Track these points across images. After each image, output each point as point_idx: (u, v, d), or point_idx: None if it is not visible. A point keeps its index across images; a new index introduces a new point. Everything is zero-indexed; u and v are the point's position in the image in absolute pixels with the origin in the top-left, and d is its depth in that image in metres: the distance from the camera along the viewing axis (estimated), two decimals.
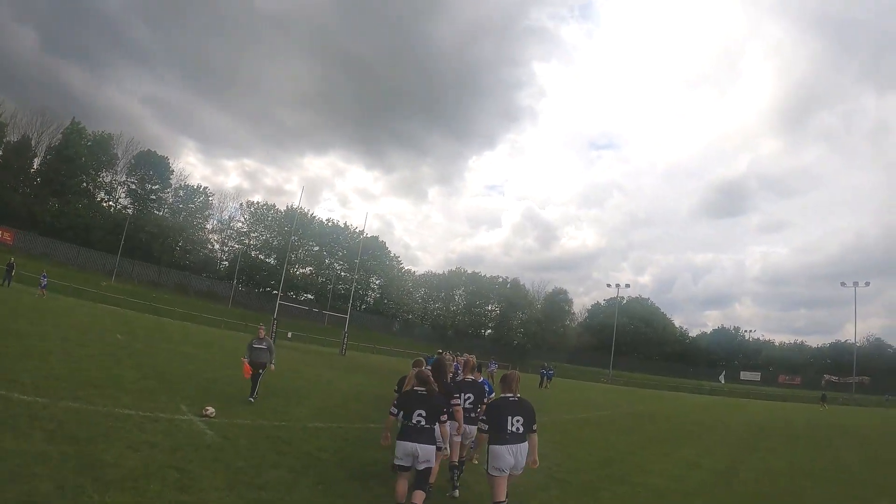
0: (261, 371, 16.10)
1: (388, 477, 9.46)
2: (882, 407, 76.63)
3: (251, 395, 15.53)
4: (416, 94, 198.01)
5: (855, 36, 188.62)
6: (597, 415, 29.41)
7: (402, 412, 7.94)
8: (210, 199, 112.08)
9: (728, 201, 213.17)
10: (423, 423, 7.80)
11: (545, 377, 51.57)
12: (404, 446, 7.68)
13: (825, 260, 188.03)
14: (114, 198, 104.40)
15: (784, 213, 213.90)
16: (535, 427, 7.97)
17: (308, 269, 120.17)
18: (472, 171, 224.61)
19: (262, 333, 16.91)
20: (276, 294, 61.77)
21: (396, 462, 7.78)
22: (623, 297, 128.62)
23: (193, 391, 15.52)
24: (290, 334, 67.31)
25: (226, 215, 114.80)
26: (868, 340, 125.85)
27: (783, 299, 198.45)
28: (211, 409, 12.50)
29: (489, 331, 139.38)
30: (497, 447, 7.60)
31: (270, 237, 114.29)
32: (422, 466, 7.67)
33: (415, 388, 8.24)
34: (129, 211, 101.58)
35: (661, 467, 14.50)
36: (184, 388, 15.64)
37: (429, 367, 9.94)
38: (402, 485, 7.74)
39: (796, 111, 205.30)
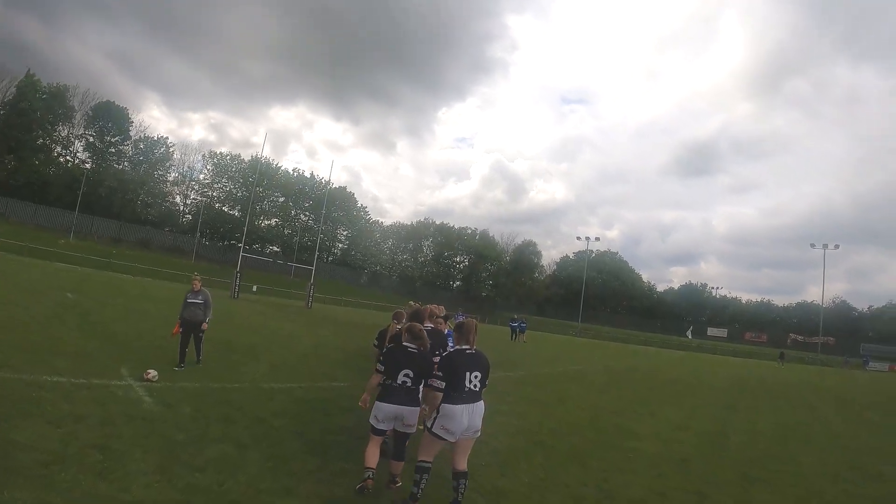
0: (201, 334, 13.82)
1: (352, 448, 8.46)
2: (844, 368, 77.84)
3: (180, 363, 13.10)
4: (386, 45, 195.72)
5: (833, 5, 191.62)
6: (572, 369, 28.58)
7: (386, 370, 7.06)
8: (171, 150, 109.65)
9: (698, 161, 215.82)
10: (409, 383, 7.01)
11: (517, 330, 50.44)
12: (387, 409, 6.92)
13: (791, 223, 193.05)
14: (71, 152, 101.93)
15: (753, 175, 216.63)
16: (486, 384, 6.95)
17: (273, 220, 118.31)
18: (441, 123, 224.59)
19: (198, 285, 14.18)
20: (241, 247, 60.10)
21: (375, 425, 7.01)
22: (592, 251, 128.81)
23: (140, 353, 14.22)
24: (255, 287, 66.06)
25: (188, 167, 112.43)
26: (834, 302, 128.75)
27: (748, 259, 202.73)
28: (153, 373, 11.12)
29: (458, 282, 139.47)
30: (451, 406, 6.56)
31: (234, 189, 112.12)
32: (406, 430, 7.09)
33: (404, 343, 7.27)
34: (88, 165, 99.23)
35: (649, 430, 13.57)
36: (130, 350, 14.36)
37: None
38: (375, 450, 6.98)
39: (770, 76, 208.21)
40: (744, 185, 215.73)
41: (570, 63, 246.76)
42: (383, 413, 6.91)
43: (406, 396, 6.94)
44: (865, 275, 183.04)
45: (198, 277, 14.64)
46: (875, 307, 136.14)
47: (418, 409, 7.07)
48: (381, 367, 7.04)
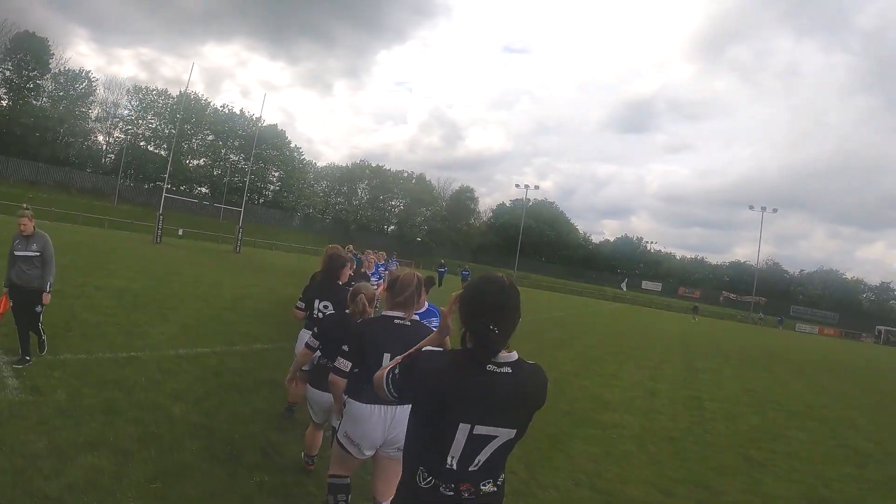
0: (38, 309, 8.41)
1: (272, 446, 6.45)
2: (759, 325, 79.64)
3: (23, 357, 8.17)
4: None
5: None
6: (522, 319, 26.44)
7: (319, 342, 5.16)
8: (94, 84, 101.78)
9: (636, 118, 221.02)
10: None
11: (441, 276, 47.56)
12: (322, 399, 5.19)
13: (723, 185, 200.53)
14: None
15: (689, 136, 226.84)
16: None
17: (202, 160, 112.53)
18: (380, 65, 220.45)
19: (29, 225, 8.25)
20: (164, 187, 56.57)
21: (313, 417, 5.54)
22: (529, 200, 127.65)
23: None
24: (181, 231, 62.91)
25: (112, 103, 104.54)
26: (767, 264, 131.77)
27: (679, 217, 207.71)
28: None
29: (392, 227, 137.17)
30: (357, 405, 4.24)
31: (161, 125, 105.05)
32: None
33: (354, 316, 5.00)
34: (4, 103, 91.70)
35: (621, 398, 12.42)
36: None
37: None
38: (318, 436, 5.74)
39: (714, 41, 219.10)
40: (679, 145, 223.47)
41: (514, 12, 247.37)
42: (318, 403, 5.27)
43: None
44: (790, 240, 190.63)
45: (28, 212, 8.35)
46: (805, 271, 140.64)
47: None
48: (313, 343, 5.07)
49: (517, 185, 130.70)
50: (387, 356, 4.09)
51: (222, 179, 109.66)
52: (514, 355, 2.60)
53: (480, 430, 2.51)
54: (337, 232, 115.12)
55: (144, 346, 10.17)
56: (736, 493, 7.46)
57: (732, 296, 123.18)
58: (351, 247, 17.73)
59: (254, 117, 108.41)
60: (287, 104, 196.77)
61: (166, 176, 59.23)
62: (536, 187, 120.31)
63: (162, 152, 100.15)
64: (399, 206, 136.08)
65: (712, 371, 19.52)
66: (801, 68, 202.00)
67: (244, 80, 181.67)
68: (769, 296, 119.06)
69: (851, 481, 8.77)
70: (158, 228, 48.06)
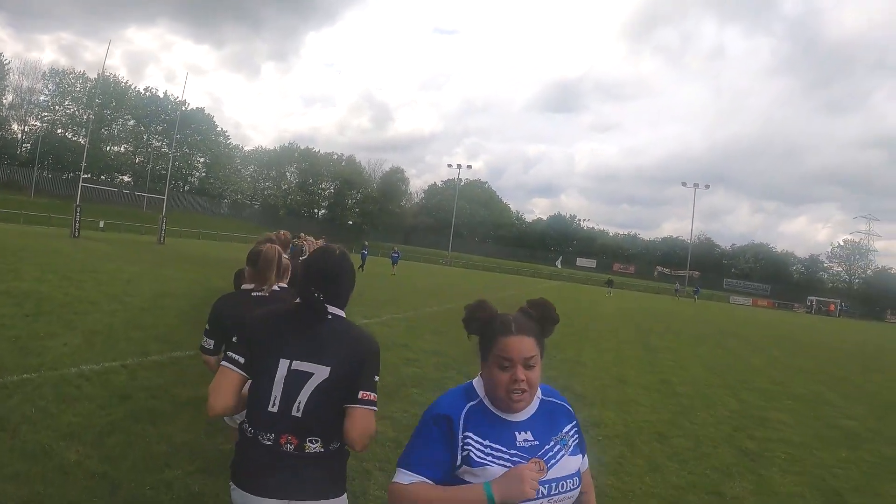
0: None
1: (204, 501, 4.95)
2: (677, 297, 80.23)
3: None
4: None
5: None
6: (462, 304, 25.10)
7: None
8: (6, 68, 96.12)
9: (564, 98, 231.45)
10: None
11: (363, 258, 46.17)
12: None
13: (650, 163, 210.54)
14: None
15: (616, 115, 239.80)
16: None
17: (123, 147, 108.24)
18: (308, 47, 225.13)
19: None
20: (84, 177, 53.26)
21: None
22: (461, 180, 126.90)
23: None
24: (101, 223, 60.15)
25: (27, 88, 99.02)
26: (699, 239, 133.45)
27: (607, 194, 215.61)
28: None
29: (323, 211, 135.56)
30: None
31: (78, 111, 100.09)
32: None
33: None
34: None
35: (591, 388, 11.59)
36: None
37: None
38: None
39: (640, 23, 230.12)
40: (606, 125, 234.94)
41: None
42: None
43: None
44: (716, 215, 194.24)
45: None
46: (737, 245, 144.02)
47: None
48: (236, 358, 3.05)
49: (449, 165, 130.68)
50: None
51: (145, 167, 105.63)
52: (340, 311, 2.80)
53: (297, 365, 2.62)
54: (266, 218, 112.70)
55: (40, 364, 8.28)
56: (749, 496, 6.73)
57: (667, 270, 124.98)
58: (284, 233, 16.22)
59: (177, 100, 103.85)
60: (214, 88, 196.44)
61: (83, 161, 55.72)
62: (469, 167, 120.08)
63: (81, 140, 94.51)
64: (329, 189, 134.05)
65: (670, 350, 19.11)
66: (724, 51, 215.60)
67: (169, 64, 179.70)
68: (702, 269, 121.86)
69: (852, 466, 8.34)
70: (76, 221, 45.28)
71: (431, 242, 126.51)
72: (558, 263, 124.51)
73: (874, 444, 9.71)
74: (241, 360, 2.67)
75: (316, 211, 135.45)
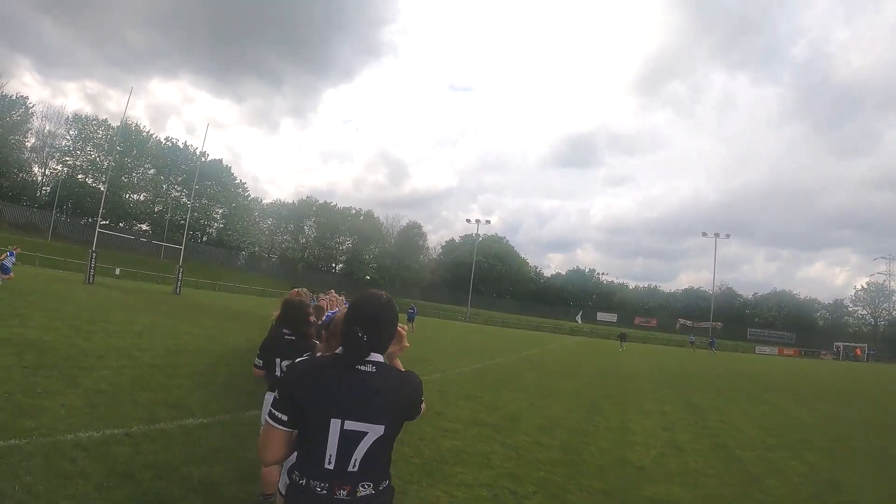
0: None
1: None
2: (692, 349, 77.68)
3: None
4: (273, 22, 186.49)
5: (714, 15, 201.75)
6: (492, 366, 24.55)
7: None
8: (31, 111, 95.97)
9: (577, 153, 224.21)
10: None
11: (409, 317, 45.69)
12: None
13: (664, 215, 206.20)
14: None
15: (629, 168, 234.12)
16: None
17: (143, 195, 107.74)
18: (326, 104, 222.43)
19: None
20: (102, 223, 52.52)
21: None
22: (479, 235, 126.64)
23: None
24: (117, 270, 59.48)
25: (48, 132, 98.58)
26: (720, 289, 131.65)
27: (622, 247, 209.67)
28: None
29: (340, 265, 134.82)
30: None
31: (100, 157, 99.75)
32: None
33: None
34: None
35: (648, 459, 10.29)
36: None
37: None
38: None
39: (650, 77, 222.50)
40: (619, 178, 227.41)
41: (459, 51, 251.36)
42: None
43: None
44: (732, 265, 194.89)
45: None
46: (759, 294, 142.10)
47: None
48: (280, 416, 2.89)
49: (468, 220, 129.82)
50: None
51: (164, 216, 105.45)
52: (380, 357, 2.78)
53: (351, 425, 2.60)
54: (283, 271, 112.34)
55: (33, 428, 7.12)
56: None
57: (689, 322, 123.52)
58: (305, 290, 15.25)
59: (197, 151, 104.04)
60: (233, 142, 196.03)
61: (101, 206, 55.11)
62: (488, 222, 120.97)
63: (101, 186, 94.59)
64: (347, 243, 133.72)
65: (715, 409, 17.84)
66: (733, 101, 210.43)
67: (190, 116, 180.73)
68: (724, 320, 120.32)
69: None
70: (91, 267, 44.43)
71: (450, 299, 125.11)
72: (579, 318, 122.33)
73: None
74: (285, 418, 2.65)
75: (333, 265, 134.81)
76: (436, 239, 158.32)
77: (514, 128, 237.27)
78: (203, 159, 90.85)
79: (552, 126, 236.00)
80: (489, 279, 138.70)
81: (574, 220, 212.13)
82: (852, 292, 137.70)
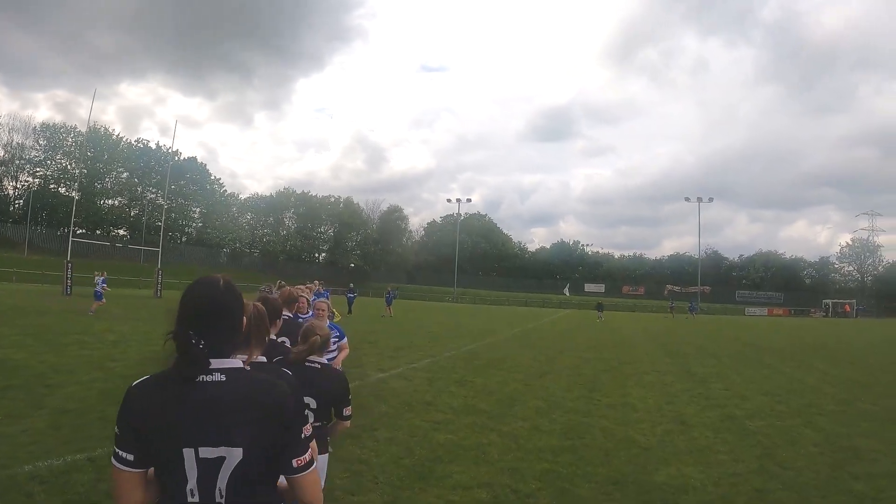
0: None
1: None
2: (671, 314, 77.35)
3: None
4: (239, 14, 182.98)
5: None
6: (483, 347, 24.04)
7: None
8: None
9: (554, 126, 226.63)
10: (311, 419, 4.04)
11: (350, 302, 43.17)
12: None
13: (644, 183, 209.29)
14: None
15: (607, 138, 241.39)
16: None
17: (117, 200, 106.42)
18: (299, 93, 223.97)
19: None
20: (79, 233, 51.31)
21: None
22: (461, 214, 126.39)
23: None
24: (96, 279, 58.34)
25: (16, 144, 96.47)
26: (706, 253, 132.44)
27: (605, 217, 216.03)
28: None
29: (323, 254, 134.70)
30: None
31: (71, 165, 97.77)
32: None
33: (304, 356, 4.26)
34: None
35: (654, 437, 9.74)
36: None
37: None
38: None
39: (622, 46, 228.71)
40: (598, 149, 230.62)
41: (430, 31, 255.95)
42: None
43: None
44: (716, 228, 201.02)
45: None
46: (745, 256, 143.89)
47: (326, 456, 4.34)
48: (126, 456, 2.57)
49: (448, 200, 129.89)
50: None
51: (141, 219, 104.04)
52: (236, 362, 2.24)
53: (206, 452, 2.11)
54: (265, 265, 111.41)
55: None
56: None
57: (677, 288, 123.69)
58: (281, 282, 14.50)
59: (169, 150, 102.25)
60: (207, 139, 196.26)
61: (71, 218, 54.21)
62: (469, 200, 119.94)
63: (75, 195, 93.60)
64: (328, 232, 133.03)
65: (717, 376, 17.39)
66: (707, 64, 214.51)
67: (163, 117, 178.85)
68: (712, 284, 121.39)
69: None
70: (68, 278, 43.55)
71: (436, 280, 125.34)
72: (566, 291, 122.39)
73: None
74: (131, 457, 2.13)
75: (316, 256, 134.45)
76: (418, 221, 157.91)
77: (489, 105, 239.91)
78: (176, 158, 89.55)
79: (528, 101, 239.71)
80: (474, 258, 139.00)
81: (555, 194, 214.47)
82: (837, 249, 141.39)
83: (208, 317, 2.21)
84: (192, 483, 2.11)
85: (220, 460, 2.11)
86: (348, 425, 4.57)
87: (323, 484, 4.15)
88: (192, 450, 2.10)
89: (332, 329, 7.50)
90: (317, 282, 21.26)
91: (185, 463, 2.10)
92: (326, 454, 4.41)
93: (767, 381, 16.73)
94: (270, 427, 2.16)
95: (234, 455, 2.11)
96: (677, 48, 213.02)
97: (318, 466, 3.99)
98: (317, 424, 4.19)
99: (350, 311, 39.06)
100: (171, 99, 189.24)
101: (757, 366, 20.57)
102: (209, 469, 2.11)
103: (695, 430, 10.32)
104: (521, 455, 8.24)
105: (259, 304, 3.36)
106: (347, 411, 4.38)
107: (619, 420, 10.93)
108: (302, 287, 11.85)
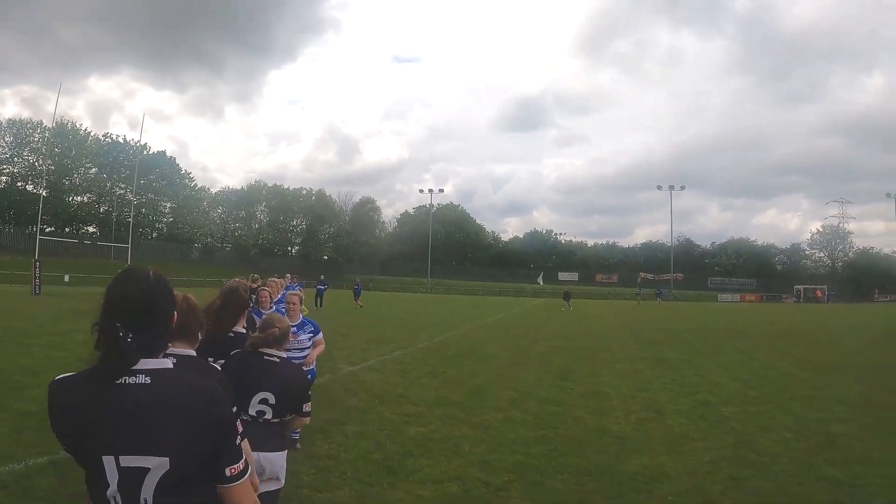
0: None
1: None
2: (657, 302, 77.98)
3: None
4: (210, 5, 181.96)
5: None
6: (454, 335, 24.29)
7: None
8: None
9: (527, 116, 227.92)
10: (268, 414, 4.10)
11: (320, 294, 41.06)
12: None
13: (617, 172, 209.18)
14: None
15: (580, 128, 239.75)
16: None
17: (86, 196, 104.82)
18: (271, 86, 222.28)
19: None
20: (47, 231, 50.51)
21: None
22: (434, 205, 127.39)
23: None
24: (66, 277, 57.84)
25: None
26: (678, 241, 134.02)
27: (578, 207, 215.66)
28: None
29: (296, 247, 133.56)
30: None
31: (38, 161, 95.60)
32: (270, 487, 3.98)
33: (258, 347, 4.22)
34: None
35: (628, 426, 9.76)
36: None
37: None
38: None
39: (594, 36, 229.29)
40: (571, 138, 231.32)
41: (402, 22, 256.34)
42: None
43: (263, 436, 3.94)
44: (687, 216, 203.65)
45: None
46: (717, 243, 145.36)
47: (284, 453, 4.20)
48: None
49: (421, 191, 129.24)
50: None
51: (110, 215, 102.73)
52: (165, 362, 2.08)
53: (127, 460, 1.95)
54: (238, 259, 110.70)
55: None
56: None
57: (650, 276, 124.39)
58: (254, 276, 14.23)
59: (138, 145, 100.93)
60: (178, 133, 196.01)
61: (38, 216, 53.41)
62: (441, 191, 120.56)
63: (42, 192, 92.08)
64: (301, 225, 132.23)
65: (689, 364, 17.42)
66: (679, 56, 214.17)
67: (133, 111, 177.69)
68: (685, 271, 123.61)
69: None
70: (36, 277, 42.70)
71: (409, 271, 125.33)
72: (540, 280, 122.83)
73: None
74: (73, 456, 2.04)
75: (289, 249, 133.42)
76: (391, 212, 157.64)
77: (462, 95, 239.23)
78: (145, 153, 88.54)
79: (500, 91, 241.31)
80: (447, 248, 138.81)
81: (528, 183, 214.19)
82: (808, 236, 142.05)
83: (137, 310, 2.02)
84: (112, 492, 1.96)
85: (143, 471, 1.95)
86: (307, 421, 4.45)
87: (283, 482, 4.12)
88: (113, 458, 1.95)
89: (307, 324, 7.70)
90: (288, 275, 21.11)
91: (106, 471, 1.95)
92: (285, 451, 4.28)
93: (741, 368, 16.79)
94: (200, 434, 2.00)
95: (160, 465, 1.96)
96: (649, 39, 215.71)
97: (276, 465, 3.96)
98: (275, 421, 4.14)
99: (321, 305, 38.55)
100: (141, 93, 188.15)
101: (730, 352, 20.69)
102: (131, 478, 1.95)
103: (669, 418, 10.31)
104: (493, 447, 8.15)
105: (191, 296, 3.18)
106: (307, 407, 4.28)
107: (592, 409, 10.87)
108: (275, 280, 11.67)
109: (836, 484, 7.01)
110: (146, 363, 2.01)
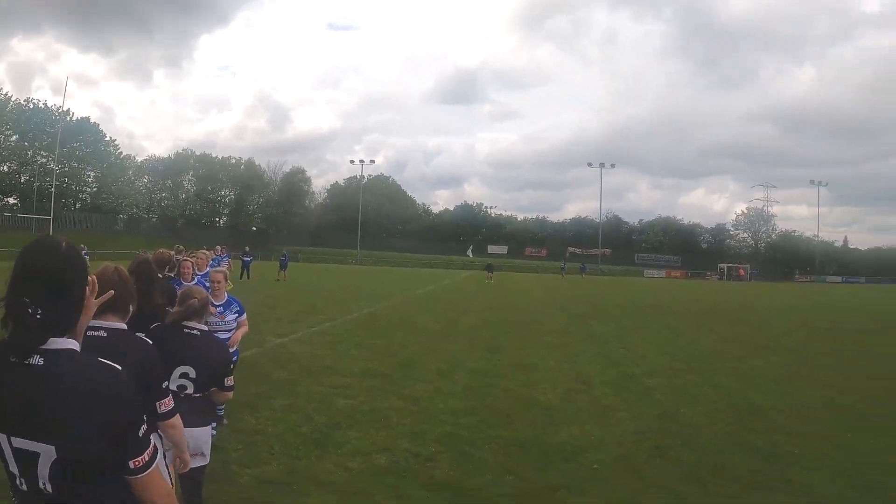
0: None
1: None
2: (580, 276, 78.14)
3: None
4: None
5: None
6: (384, 306, 24.29)
7: None
8: None
9: (462, 90, 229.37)
10: (190, 389, 4.00)
11: (246, 266, 39.67)
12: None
13: (550, 148, 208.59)
14: None
15: (515, 104, 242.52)
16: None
17: (6, 165, 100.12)
18: (202, 50, 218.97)
19: None
20: None
21: None
22: (364, 176, 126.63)
23: None
24: None
25: None
26: (607, 217, 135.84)
27: (510, 181, 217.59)
28: None
29: (224, 218, 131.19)
30: None
31: None
32: (195, 464, 3.82)
33: (178, 320, 4.15)
34: None
35: (556, 397, 9.84)
36: None
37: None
38: None
39: (532, 12, 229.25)
40: (505, 113, 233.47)
41: None
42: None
43: (187, 411, 3.60)
44: (617, 194, 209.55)
45: None
46: (645, 220, 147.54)
47: (208, 428, 4.18)
48: None
49: (352, 161, 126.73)
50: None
51: (32, 186, 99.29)
52: (68, 343, 1.91)
53: (19, 443, 1.85)
54: (165, 230, 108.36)
55: None
56: None
57: (578, 250, 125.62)
58: (179, 246, 13.73)
59: (60, 110, 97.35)
60: (103, 98, 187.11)
61: None
62: (372, 161, 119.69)
63: None
64: (230, 195, 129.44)
65: (617, 338, 17.68)
66: (616, 37, 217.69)
67: (57, 75, 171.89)
68: (613, 246, 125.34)
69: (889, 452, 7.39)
70: None
71: (340, 242, 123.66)
72: (469, 252, 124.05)
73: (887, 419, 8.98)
74: None
75: (217, 220, 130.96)
76: (322, 183, 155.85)
77: (396, 66, 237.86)
78: (68, 119, 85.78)
79: (436, 62, 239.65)
80: (378, 220, 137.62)
81: (460, 157, 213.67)
82: (733, 217, 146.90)
83: (47, 284, 1.87)
84: (14, 470, 1.88)
85: (34, 455, 1.84)
86: (230, 396, 4.35)
87: (208, 459, 3.99)
88: (5, 437, 1.85)
89: (232, 303, 7.46)
90: (218, 247, 20.74)
91: (4, 450, 1.86)
92: (209, 427, 4.21)
93: (667, 343, 17.08)
94: (92, 429, 1.85)
95: (47, 453, 1.83)
96: (588, 18, 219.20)
97: (201, 441, 3.82)
98: (196, 395, 4.04)
99: (248, 276, 37.93)
100: (66, 55, 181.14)
101: (656, 327, 21.06)
102: (25, 460, 1.85)
103: (596, 389, 10.43)
104: (422, 418, 8.14)
105: (122, 267, 3.04)
106: (229, 381, 4.17)
107: (520, 381, 10.93)
108: (204, 252, 11.33)
109: (760, 453, 7.18)
110: (54, 342, 1.86)
